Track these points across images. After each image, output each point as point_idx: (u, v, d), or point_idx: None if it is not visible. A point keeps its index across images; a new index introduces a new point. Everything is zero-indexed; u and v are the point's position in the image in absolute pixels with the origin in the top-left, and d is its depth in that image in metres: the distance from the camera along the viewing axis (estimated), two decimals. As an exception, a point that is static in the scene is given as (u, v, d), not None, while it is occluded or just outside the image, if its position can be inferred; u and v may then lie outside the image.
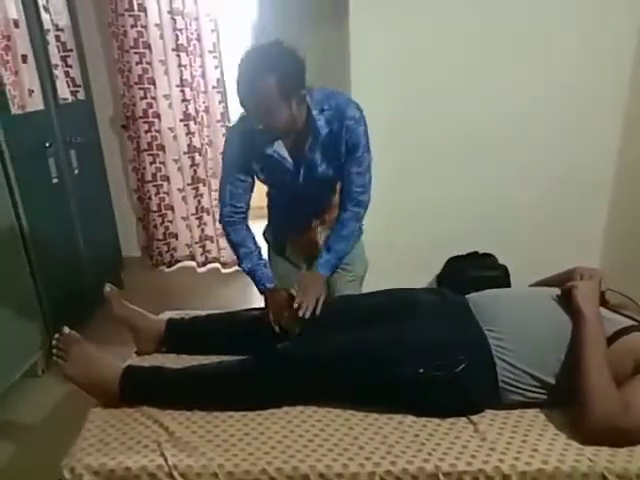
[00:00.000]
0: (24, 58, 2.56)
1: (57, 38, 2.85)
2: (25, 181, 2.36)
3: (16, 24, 2.51)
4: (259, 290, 1.75)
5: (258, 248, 1.77)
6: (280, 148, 1.63)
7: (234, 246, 1.77)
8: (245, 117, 1.61)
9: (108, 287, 1.67)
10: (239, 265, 1.78)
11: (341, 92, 1.66)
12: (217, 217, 3.55)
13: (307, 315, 1.57)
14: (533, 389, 1.34)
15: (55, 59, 2.79)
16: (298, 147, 1.64)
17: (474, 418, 1.33)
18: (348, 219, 1.72)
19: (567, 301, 1.40)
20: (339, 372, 1.39)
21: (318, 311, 1.60)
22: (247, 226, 1.78)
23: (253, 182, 1.74)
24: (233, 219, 1.74)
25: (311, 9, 3.31)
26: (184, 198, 3.64)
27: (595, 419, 1.20)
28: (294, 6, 3.33)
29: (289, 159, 1.65)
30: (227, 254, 3.66)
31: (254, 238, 1.78)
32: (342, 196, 1.73)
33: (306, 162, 1.65)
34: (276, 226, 1.95)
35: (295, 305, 1.59)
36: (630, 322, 1.38)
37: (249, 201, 1.77)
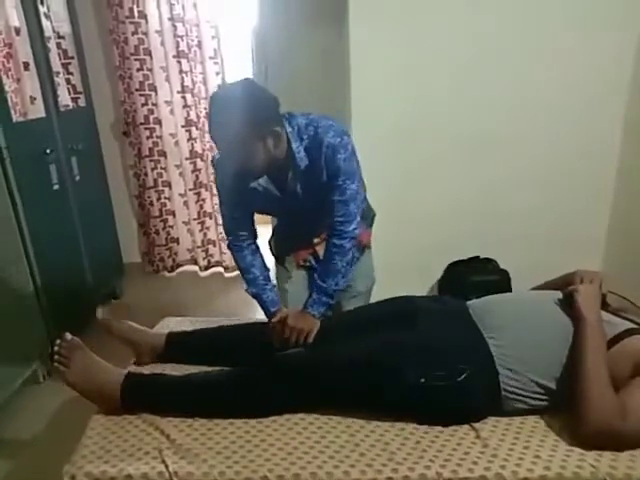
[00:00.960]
0: (26, 65, 2.57)
1: (58, 45, 2.86)
2: (26, 188, 2.36)
3: (17, 32, 2.53)
4: (265, 315, 1.72)
5: (265, 272, 1.74)
6: (264, 181, 1.60)
7: (240, 270, 1.76)
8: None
9: (99, 313, 1.67)
10: (245, 290, 1.75)
11: (327, 117, 1.59)
12: (220, 221, 3.60)
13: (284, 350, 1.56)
14: (536, 396, 1.34)
15: (56, 66, 2.80)
16: (281, 179, 1.61)
17: (476, 425, 1.32)
18: (333, 253, 1.62)
19: (568, 305, 1.40)
20: (340, 382, 1.38)
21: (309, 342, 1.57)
22: (254, 249, 1.74)
23: (252, 210, 1.73)
24: (239, 245, 1.73)
25: (311, 15, 3.32)
26: (185, 203, 3.65)
27: (593, 423, 1.19)
28: (294, 12, 3.34)
29: (275, 190, 1.63)
30: (229, 258, 3.68)
31: (261, 261, 1.75)
32: (327, 226, 1.66)
33: (290, 193, 1.63)
34: (279, 240, 1.94)
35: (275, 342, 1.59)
36: (631, 325, 1.38)
37: (253, 225, 1.74)
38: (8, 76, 2.50)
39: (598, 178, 2.59)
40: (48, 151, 2.56)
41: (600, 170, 2.58)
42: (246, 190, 1.62)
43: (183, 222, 3.71)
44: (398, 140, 2.49)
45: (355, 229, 1.62)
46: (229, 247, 1.76)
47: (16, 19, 2.50)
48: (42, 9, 2.63)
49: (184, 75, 3.33)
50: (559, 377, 1.32)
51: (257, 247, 1.76)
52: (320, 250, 1.81)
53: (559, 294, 1.47)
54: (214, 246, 3.76)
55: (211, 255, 3.77)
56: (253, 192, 1.62)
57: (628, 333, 1.34)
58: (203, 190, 3.64)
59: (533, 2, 2.34)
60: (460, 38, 2.37)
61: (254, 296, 1.72)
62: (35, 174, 2.51)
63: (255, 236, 1.76)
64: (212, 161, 1.74)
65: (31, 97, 2.63)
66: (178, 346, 1.70)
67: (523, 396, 1.33)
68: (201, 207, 3.67)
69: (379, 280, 2.05)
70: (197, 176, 3.59)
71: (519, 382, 1.33)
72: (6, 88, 2.34)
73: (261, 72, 3.56)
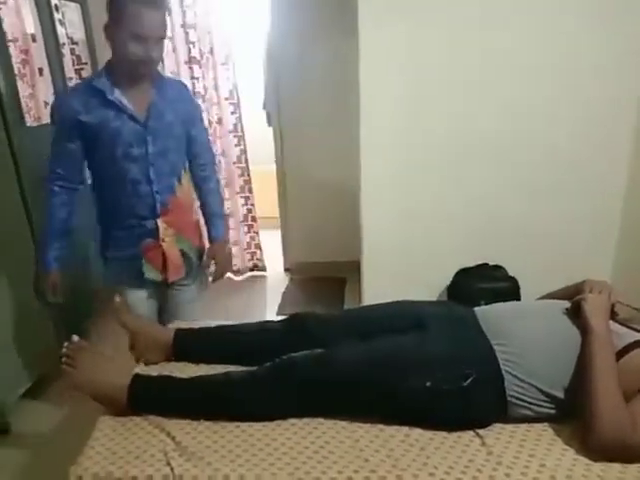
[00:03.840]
0: (40, 71, 2.62)
1: (72, 51, 2.91)
2: (39, 191, 2.38)
3: (33, 38, 2.57)
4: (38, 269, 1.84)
5: (62, 226, 1.79)
6: (121, 97, 1.67)
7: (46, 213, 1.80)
8: (86, 82, 1.76)
9: (118, 297, 1.69)
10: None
11: None
12: (229, 224, 3.63)
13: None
14: (541, 403, 1.33)
15: (69, 72, 2.85)
16: (142, 99, 1.70)
17: (481, 432, 1.31)
18: (206, 178, 1.94)
19: (576, 315, 1.39)
20: (347, 385, 1.38)
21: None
22: (66, 201, 1.78)
23: (83, 149, 1.72)
24: (55, 188, 1.76)
25: (323, 22, 3.35)
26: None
27: (603, 435, 1.18)
28: (306, 19, 3.37)
29: (131, 108, 1.67)
30: (240, 261, 3.69)
31: (65, 217, 1.79)
32: (192, 156, 1.90)
33: (154, 110, 1.71)
34: (122, 239, 1.84)
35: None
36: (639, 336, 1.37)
37: (78, 171, 1.77)
38: (23, 82, 2.54)
39: (609, 184, 2.57)
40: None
41: (611, 175, 2.56)
42: (99, 108, 1.65)
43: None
44: (408, 145, 2.49)
45: (214, 156, 2.02)
46: (45, 189, 1.77)
47: (32, 26, 2.55)
48: (57, 16, 2.68)
49: (195, 81, 3.37)
50: (566, 386, 1.31)
51: (72, 200, 1.79)
52: (169, 251, 1.84)
53: (567, 303, 1.46)
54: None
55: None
56: (106, 110, 1.65)
57: (637, 344, 1.33)
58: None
59: (542, 19, 2.33)
60: (463, 51, 2.37)
61: (40, 243, 1.86)
62: (48, 178, 2.54)
63: (81, 181, 1.80)
64: (55, 101, 1.86)
65: (45, 102, 2.67)
66: (187, 342, 1.69)
67: (529, 402, 1.32)
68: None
69: (388, 287, 2.05)
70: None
71: (524, 389, 1.32)
72: (21, 93, 2.38)
73: (271, 78, 3.60)
